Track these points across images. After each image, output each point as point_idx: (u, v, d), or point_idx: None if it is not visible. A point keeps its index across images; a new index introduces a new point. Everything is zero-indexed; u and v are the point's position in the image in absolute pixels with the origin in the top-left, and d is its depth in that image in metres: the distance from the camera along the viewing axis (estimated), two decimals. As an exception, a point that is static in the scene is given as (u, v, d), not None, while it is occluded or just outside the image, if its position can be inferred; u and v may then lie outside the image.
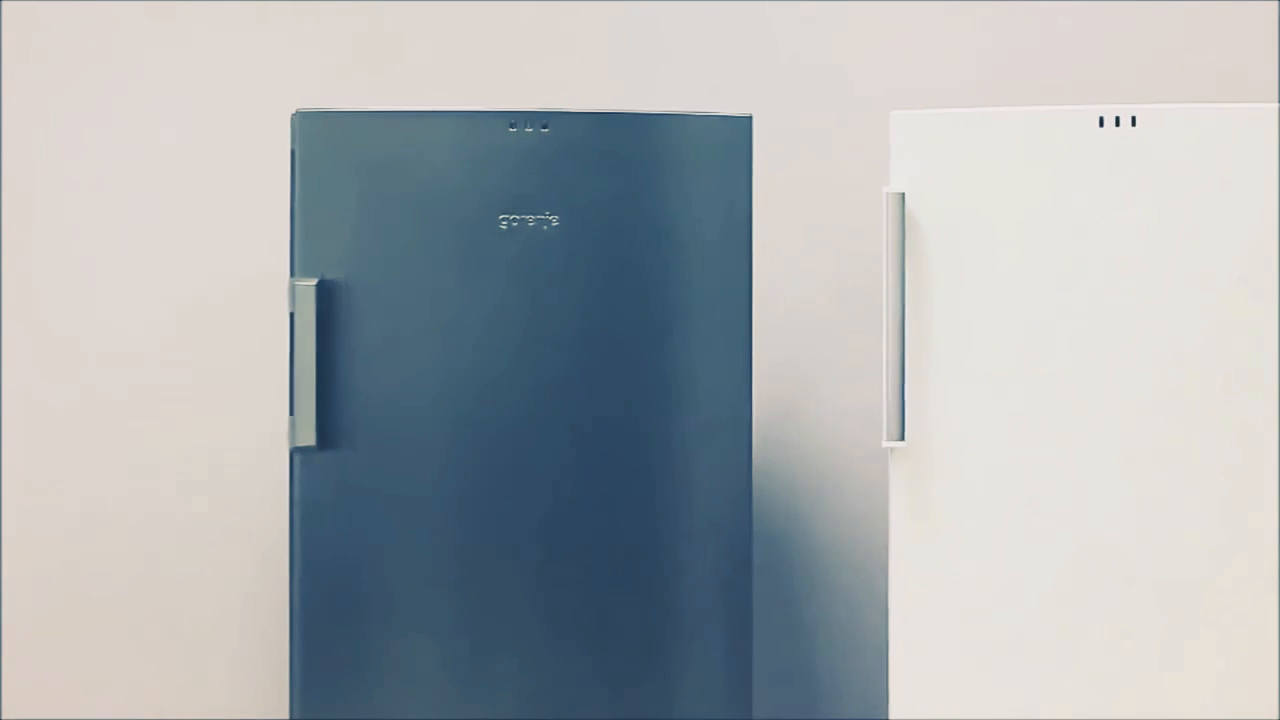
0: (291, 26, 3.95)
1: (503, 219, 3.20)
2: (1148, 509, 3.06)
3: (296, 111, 3.21)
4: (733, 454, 3.22)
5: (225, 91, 3.93)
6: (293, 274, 3.20)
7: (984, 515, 3.10)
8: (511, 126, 3.20)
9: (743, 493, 3.22)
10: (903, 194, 3.12)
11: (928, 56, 3.89)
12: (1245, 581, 3.04)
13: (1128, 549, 3.06)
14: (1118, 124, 3.08)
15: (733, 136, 3.22)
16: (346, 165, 3.19)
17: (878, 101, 3.79)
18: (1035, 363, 3.09)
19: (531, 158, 3.20)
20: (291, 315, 3.17)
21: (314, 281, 3.17)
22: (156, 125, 3.94)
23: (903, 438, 3.11)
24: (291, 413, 3.18)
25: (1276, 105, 3.06)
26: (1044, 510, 3.08)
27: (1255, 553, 3.04)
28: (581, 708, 3.21)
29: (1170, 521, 3.06)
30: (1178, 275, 3.05)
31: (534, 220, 3.20)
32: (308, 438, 3.17)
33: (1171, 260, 3.06)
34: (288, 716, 3.25)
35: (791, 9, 3.94)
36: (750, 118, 3.23)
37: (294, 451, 3.19)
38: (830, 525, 3.91)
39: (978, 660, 3.10)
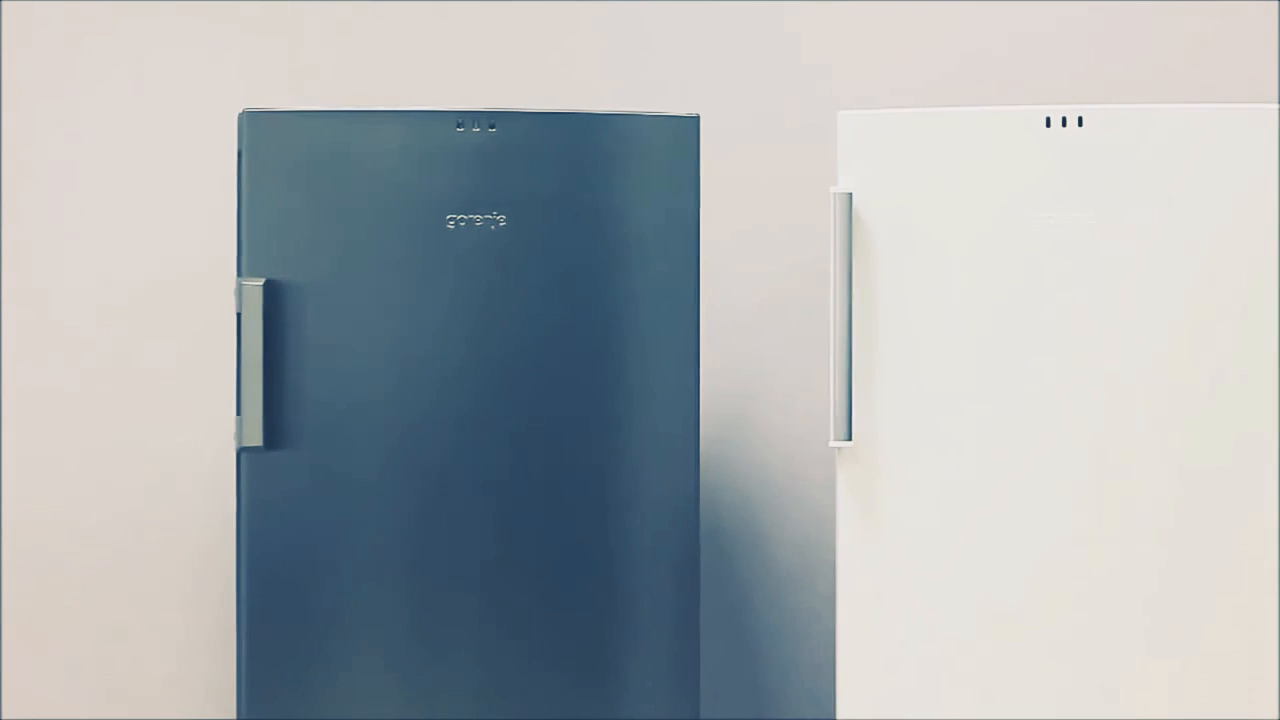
0: (266, 26, 3.94)
1: (450, 219, 3.20)
2: (1096, 509, 3.07)
3: (244, 111, 3.20)
4: (680, 452, 3.22)
5: (199, 92, 3.92)
6: (240, 274, 3.19)
7: (932, 515, 3.11)
8: (459, 126, 3.20)
9: (690, 491, 3.23)
10: (850, 194, 3.12)
11: (898, 56, 3.91)
12: (1203, 582, 3.06)
13: (1076, 550, 3.08)
14: (1064, 124, 3.09)
15: (680, 136, 3.22)
16: (294, 165, 3.18)
17: (826, 101, 3.79)
18: (982, 362, 3.10)
19: (479, 157, 3.19)
20: (239, 315, 3.16)
21: (261, 281, 3.16)
22: (120, 125, 3.93)
23: (850, 438, 3.11)
24: (238, 413, 3.17)
25: (1229, 106, 3.07)
26: (991, 509, 3.09)
27: (1215, 556, 3.05)
28: (530, 708, 3.21)
29: (1119, 522, 3.07)
30: (1126, 276, 3.07)
31: (481, 220, 3.20)
32: (255, 438, 3.16)
33: (1119, 261, 3.07)
34: (235, 717, 3.23)
35: (743, 8, 3.94)
36: (697, 117, 3.23)
37: (241, 451, 3.18)
38: (778, 524, 3.91)
39: (925, 659, 3.11)
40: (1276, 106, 3.06)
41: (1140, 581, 3.06)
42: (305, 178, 3.18)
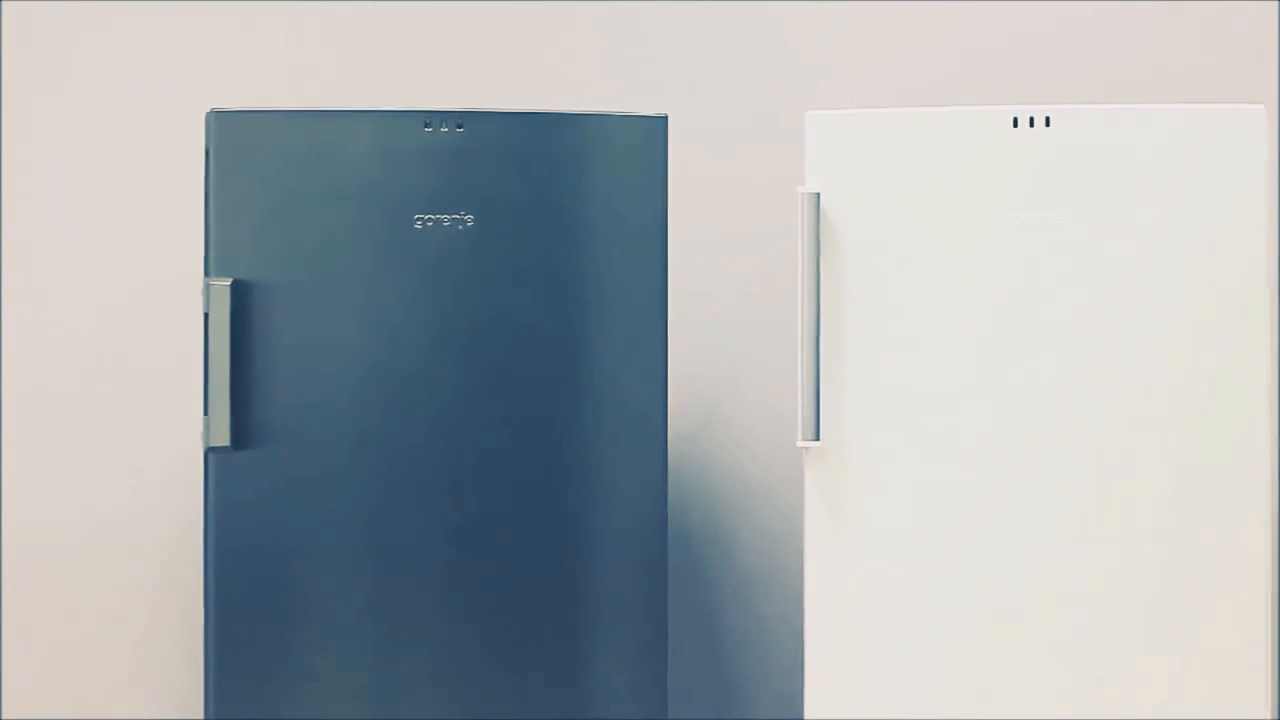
0: (264, 25, 3.95)
1: (418, 218, 3.19)
2: (1063, 509, 3.08)
3: (211, 111, 3.19)
4: (648, 453, 3.22)
5: (195, 91, 3.91)
6: (207, 274, 3.18)
7: (899, 514, 3.11)
8: (427, 126, 3.19)
9: (658, 492, 3.23)
10: (818, 194, 3.12)
11: (871, 57, 3.91)
12: (1165, 585, 3.06)
13: (1043, 549, 3.08)
14: (1032, 124, 3.10)
15: (648, 136, 3.22)
16: (262, 165, 3.18)
17: (795, 101, 3.79)
18: (949, 362, 3.10)
19: (447, 157, 3.19)
20: (206, 315, 3.16)
21: (228, 281, 3.16)
22: (113, 124, 3.93)
23: (817, 437, 3.12)
24: (206, 413, 3.16)
25: (1195, 106, 3.08)
26: (960, 509, 3.10)
27: (1177, 559, 3.06)
28: (496, 708, 3.20)
29: (1087, 521, 3.07)
30: (1093, 277, 3.07)
31: (449, 220, 3.20)
32: (222, 438, 3.16)
33: (1086, 261, 3.07)
34: (202, 718, 3.23)
35: (712, 8, 3.95)
36: (665, 117, 3.23)
37: (208, 451, 3.18)
38: (746, 524, 3.91)
39: (893, 660, 3.11)
40: (1244, 107, 3.07)
41: (1112, 580, 3.07)
42: (273, 177, 3.18)
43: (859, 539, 3.12)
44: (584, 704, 3.21)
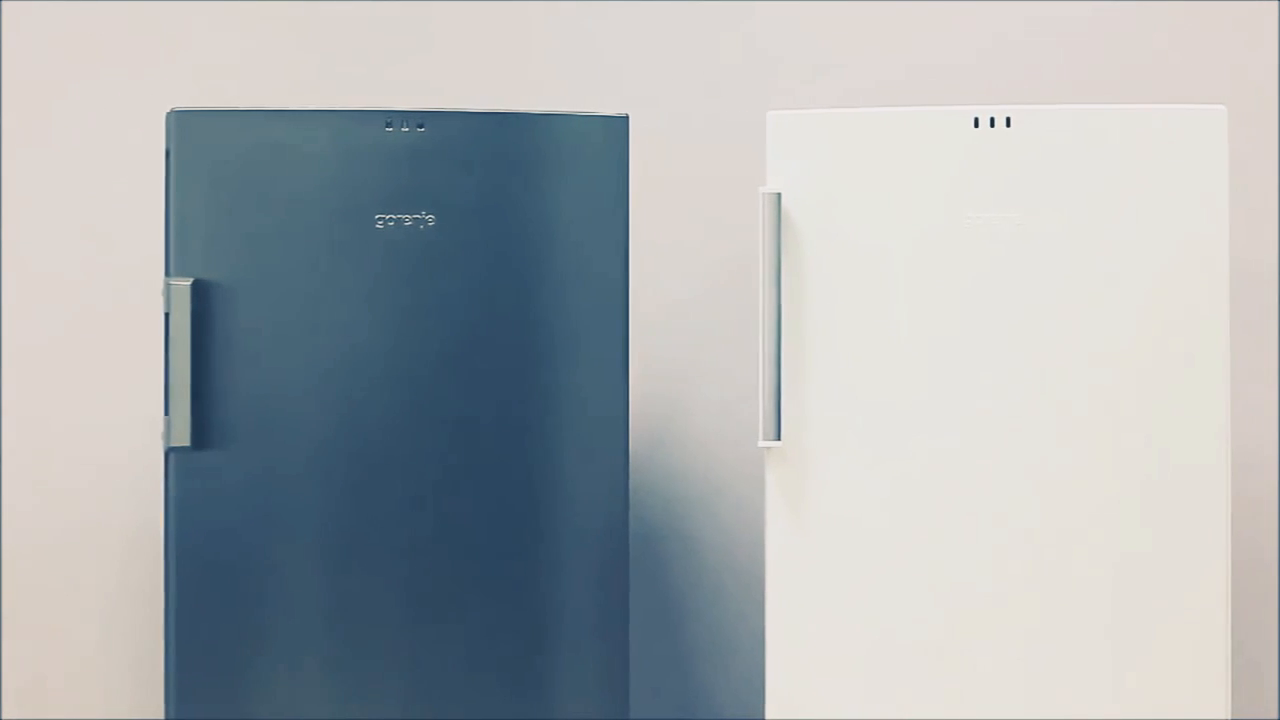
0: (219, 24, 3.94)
1: (379, 218, 3.19)
2: (1024, 508, 3.08)
3: (171, 110, 3.19)
4: (610, 453, 3.22)
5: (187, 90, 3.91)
6: (168, 273, 3.17)
7: (860, 514, 3.12)
8: (388, 126, 3.19)
9: (620, 492, 3.23)
10: (779, 194, 3.13)
11: (836, 58, 3.91)
12: (1125, 584, 3.07)
13: (1004, 548, 3.09)
14: (993, 125, 3.11)
15: (610, 136, 3.22)
16: (222, 164, 3.17)
17: (757, 101, 3.80)
18: (911, 362, 3.11)
19: (408, 157, 3.19)
20: (166, 315, 3.15)
21: (189, 281, 3.15)
22: (48, 126, 3.92)
23: (779, 437, 3.12)
24: (167, 413, 3.15)
25: (1155, 106, 3.09)
26: (921, 508, 3.10)
27: (1137, 558, 3.07)
28: (459, 708, 3.20)
29: (1049, 520, 3.08)
30: (1054, 276, 3.08)
31: (410, 220, 3.19)
32: (183, 438, 3.15)
33: (1047, 261, 3.08)
34: (163, 717, 3.22)
35: (677, 7, 3.95)
36: (627, 117, 3.23)
37: (169, 451, 3.17)
38: (708, 524, 3.92)
39: (853, 659, 3.12)
40: (1204, 107, 3.08)
41: (1078, 581, 3.07)
42: (234, 177, 3.17)
43: (820, 539, 3.13)
44: (546, 704, 3.21)
